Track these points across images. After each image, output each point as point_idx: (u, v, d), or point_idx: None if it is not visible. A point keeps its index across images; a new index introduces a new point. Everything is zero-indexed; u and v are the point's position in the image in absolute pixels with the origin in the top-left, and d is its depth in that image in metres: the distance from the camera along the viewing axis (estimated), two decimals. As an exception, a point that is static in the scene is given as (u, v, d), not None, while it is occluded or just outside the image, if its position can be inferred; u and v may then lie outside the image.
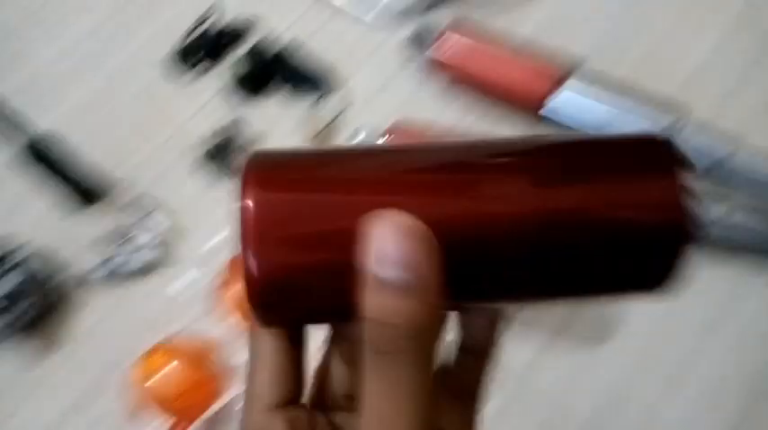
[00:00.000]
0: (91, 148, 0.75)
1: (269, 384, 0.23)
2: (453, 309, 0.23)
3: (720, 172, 0.56)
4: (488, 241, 0.20)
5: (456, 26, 0.68)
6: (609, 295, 0.22)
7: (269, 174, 0.20)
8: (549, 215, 0.20)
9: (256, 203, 0.19)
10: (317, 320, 0.23)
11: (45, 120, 0.69)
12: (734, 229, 0.52)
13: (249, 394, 0.23)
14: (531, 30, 0.71)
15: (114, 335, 0.63)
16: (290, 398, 0.23)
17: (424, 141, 0.21)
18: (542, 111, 0.62)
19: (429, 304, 0.18)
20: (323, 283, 0.20)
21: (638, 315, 0.54)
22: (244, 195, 0.20)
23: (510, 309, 0.25)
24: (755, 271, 0.54)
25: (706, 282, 0.53)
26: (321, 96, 0.74)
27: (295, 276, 0.19)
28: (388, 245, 0.18)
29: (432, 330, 0.19)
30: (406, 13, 0.78)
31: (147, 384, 0.55)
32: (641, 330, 0.53)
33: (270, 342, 0.23)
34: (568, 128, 0.62)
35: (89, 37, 0.93)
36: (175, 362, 0.57)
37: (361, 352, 0.19)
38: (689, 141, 0.56)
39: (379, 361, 0.18)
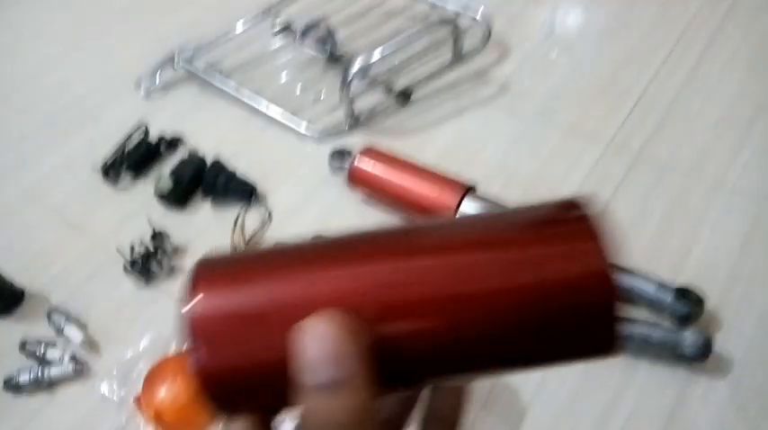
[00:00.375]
0: (9, 256, 0.76)
1: None
2: (402, 390, 0.24)
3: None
4: (420, 327, 0.20)
5: (371, 147, 0.76)
6: (557, 363, 0.22)
7: (215, 282, 0.21)
8: (478, 298, 0.20)
9: (203, 310, 0.21)
10: (270, 410, 0.23)
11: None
12: (633, 338, 0.59)
13: None
14: (432, 156, 0.81)
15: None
16: None
17: (363, 231, 0.22)
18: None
19: (366, 392, 0.19)
20: (265, 381, 0.21)
21: (539, 407, 0.59)
22: (191, 299, 0.21)
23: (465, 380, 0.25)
24: (646, 368, 0.61)
25: (603, 376, 0.60)
26: (247, 207, 0.79)
27: (238, 375, 0.21)
28: (314, 351, 0.19)
29: (371, 415, 0.19)
30: (333, 132, 0.87)
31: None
32: (545, 420, 0.58)
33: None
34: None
35: (13, 146, 0.95)
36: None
37: None
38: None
39: None
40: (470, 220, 0.23)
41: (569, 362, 0.22)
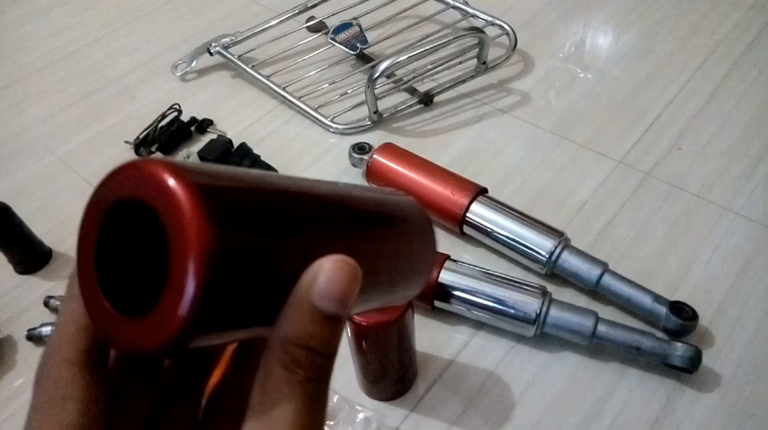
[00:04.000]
0: (41, 219, 0.80)
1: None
2: None
3: (593, 289, 0.67)
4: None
5: (390, 144, 0.79)
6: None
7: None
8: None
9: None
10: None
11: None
12: (624, 344, 0.62)
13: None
14: (448, 158, 0.84)
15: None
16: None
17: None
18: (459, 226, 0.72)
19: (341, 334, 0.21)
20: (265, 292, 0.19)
21: (528, 402, 0.61)
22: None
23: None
24: (634, 375, 0.63)
25: (591, 379, 0.62)
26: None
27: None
28: (334, 281, 0.20)
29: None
30: (356, 127, 0.90)
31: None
32: (532, 416, 0.61)
33: (76, 372, 0.20)
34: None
35: (51, 118, 1.00)
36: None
37: (276, 375, 0.20)
38: (568, 262, 0.67)
39: (306, 385, 0.20)
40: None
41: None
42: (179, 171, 0.17)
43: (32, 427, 0.20)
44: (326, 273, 0.20)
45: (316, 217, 0.22)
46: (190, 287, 0.16)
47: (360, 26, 0.98)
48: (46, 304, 0.71)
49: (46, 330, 0.68)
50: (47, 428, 0.20)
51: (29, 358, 0.69)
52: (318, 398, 0.20)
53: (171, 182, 0.16)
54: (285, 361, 0.20)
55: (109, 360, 0.22)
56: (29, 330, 0.69)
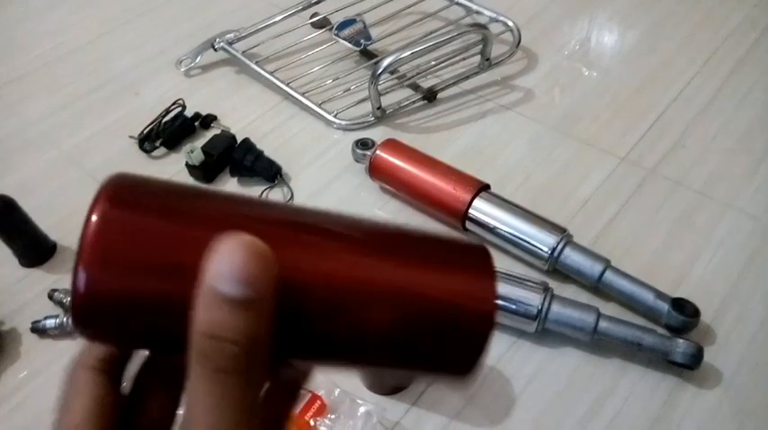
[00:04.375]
0: (46, 213, 0.81)
1: (87, 417, 0.21)
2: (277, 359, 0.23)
3: (595, 286, 0.67)
4: (315, 298, 0.20)
5: (393, 140, 0.79)
6: (420, 370, 0.24)
7: (123, 195, 0.20)
8: (375, 290, 0.21)
9: (102, 220, 0.19)
10: (141, 345, 0.22)
11: (1, 184, 0.75)
12: (626, 340, 0.62)
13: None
14: (451, 154, 0.84)
15: (50, 385, 0.66)
16: None
17: (291, 205, 0.24)
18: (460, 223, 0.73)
19: (265, 321, 0.19)
20: (152, 311, 0.19)
21: (529, 397, 0.61)
22: (92, 209, 0.19)
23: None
24: (636, 371, 0.63)
25: (593, 375, 0.62)
26: (271, 187, 0.83)
27: (125, 299, 0.19)
28: (232, 261, 0.18)
29: (264, 348, 0.19)
30: (359, 123, 0.90)
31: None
32: (533, 411, 0.61)
33: (89, 375, 0.22)
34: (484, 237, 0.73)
35: (56, 112, 1.01)
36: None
37: (192, 371, 0.19)
38: (570, 258, 0.67)
39: (216, 378, 0.18)
40: (396, 227, 0.24)
41: (431, 373, 0.24)
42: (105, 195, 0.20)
43: (56, 420, 0.22)
44: (222, 254, 0.18)
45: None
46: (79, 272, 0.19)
47: (364, 22, 0.98)
48: (50, 297, 0.71)
49: (50, 322, 0.68)
50: (63, 420, 0.21)
51: (32, 350, 0.69)
52: (233, 392, 0.18)
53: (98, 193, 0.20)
54: (196, 353, 0.18)
55: (126, 367, 0.23)
56: (33, 322, 0.69)
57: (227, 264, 0.18)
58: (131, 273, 0.19)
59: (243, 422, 0.19)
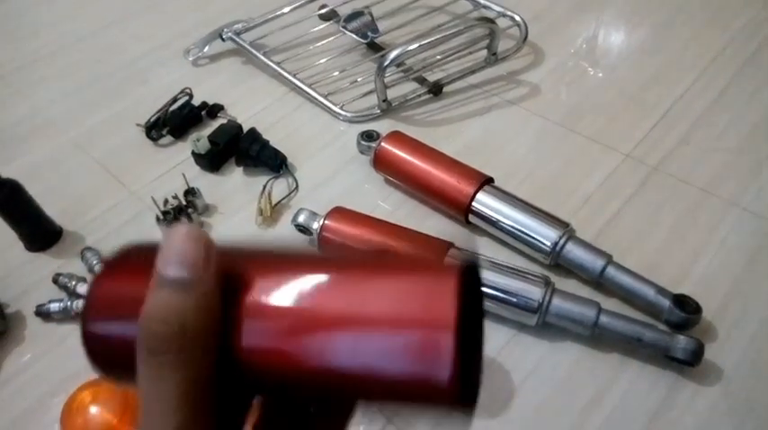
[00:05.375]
0: (52, 199, 0.81)
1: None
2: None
3: (596, 280, 0.67)
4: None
5: (398, 132, 0.80)
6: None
7: (118, 266, 0.24)
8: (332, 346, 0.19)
9: (98, 287, 0.23)
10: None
11: (8, 169, 0.75)
12: (626, 336, 0.62)
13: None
14: (456, 147, 0.84)
15: (53, 368, 0.67)
16: None
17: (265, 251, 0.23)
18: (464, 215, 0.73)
19: (204, 306, 0.19)
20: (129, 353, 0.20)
21: (528, 390, 0.62)
22: (95, 279, 0.24)
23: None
24: (636, 367, 0.63)
25: (592, 369, 0.63)
26: (276, 177, 0.83)
27: (108, 344, 0.23)
28: (171, 246, 0.19)
29: (204, 333, 0.19)
30: (365, 115, 0.91)
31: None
32: (531, 404, 0.61)
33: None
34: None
35: (64, 99, 1.01)
36: (96, 408, 0.60)
37: (138, 359, 0.19)
38: (572, 252, 0.67)
39: (152, 361, 0.18)
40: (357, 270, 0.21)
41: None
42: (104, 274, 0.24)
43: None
44: (166, 241, 0.19)
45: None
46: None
47: (371, 15, 0.98)
48: (55, 281, 0.72)
49: (54, 306, 0.69)
50: None
51: (37, 334, 0.70)
52: (170, 377, 0.18)
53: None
54: (138, 338, 0.19)
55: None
56: (37, 306, 0.70)
57: (168, 248, 0.19)
58: (113, 319, 0.23)
59: (180, 408, 0.18)
